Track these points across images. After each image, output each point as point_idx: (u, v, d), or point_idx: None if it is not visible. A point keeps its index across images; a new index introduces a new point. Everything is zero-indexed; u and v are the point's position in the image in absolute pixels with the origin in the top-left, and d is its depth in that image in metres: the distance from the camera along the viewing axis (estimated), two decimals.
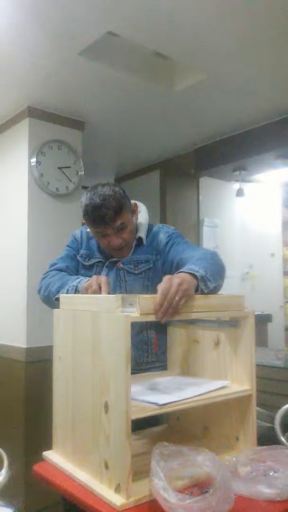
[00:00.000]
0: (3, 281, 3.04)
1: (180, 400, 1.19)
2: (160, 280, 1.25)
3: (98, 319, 1.18)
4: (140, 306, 1.13)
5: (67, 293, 1.56)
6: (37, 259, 2.84)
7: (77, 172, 3.05)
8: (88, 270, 1.77)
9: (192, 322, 1.54)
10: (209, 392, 1.28)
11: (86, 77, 2.53)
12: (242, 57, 2.33)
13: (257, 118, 3.13)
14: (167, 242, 1.74)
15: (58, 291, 1.60)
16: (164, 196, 3.92)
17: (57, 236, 2.94)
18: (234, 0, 1.87)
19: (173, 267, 1.67)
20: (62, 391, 1.35)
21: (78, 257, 1.82)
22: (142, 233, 1.76)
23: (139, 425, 1.44)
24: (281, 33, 2.12)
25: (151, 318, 1.17)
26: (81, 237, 1.87)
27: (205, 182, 4.15)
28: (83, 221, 1.75)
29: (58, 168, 2.96)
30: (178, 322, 1.61)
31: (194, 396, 1.23)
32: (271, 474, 1.15)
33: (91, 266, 1.78)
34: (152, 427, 1.59)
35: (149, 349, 1.73)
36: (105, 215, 1.60)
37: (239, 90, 2.71)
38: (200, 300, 1.29)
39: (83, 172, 3.08)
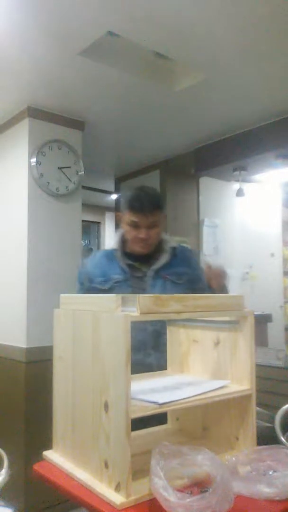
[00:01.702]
0: (3, 281, 3.04)
1: (180, 400, 1.19)
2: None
3: (98, 318, 1.18)
4: (140, 306, 1.13)
5: None
6: (37, 259, 2.84)
7: (77, 172, 3.05)
8: (107, 293, 1.82)
9: (192, 322, 1.54)
10: (208, 391, 1.29)
11: (86, 77, 2.53)
12: (242, 57, 2.33)
13: (257, 118, 3.13)
14: (195, 268, 2.00)
15: None
16: (164, 196, 3.92)
17: (57, 236, 2.95)
18: (234, 0, 1.87)
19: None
20: (62, 391, 1.35)
21: (93, 286, 1.90)
22: (174, 244, 1.98)
23: (140, 424, 1.44)
24: (281, 33, 2.12)
25: (151, 317, 1.17)
26: (87, 268, 1.98)
27: (205, 182, 4.15)
28: (118, 212, 2.02)
29: (58, 168, 2.96)
30: (178, 322, 1.61)
31: (194, 396, 1.23)
32: (270, 473, 1.15)
33: (111, 288, 1.86)
34: (152, 427, 1.59)
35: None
36: (147, 206, 1.81)
37: (239, 90, 2.71)
38: (200, 300, 1.29)
39: (83, 172, 3.08)
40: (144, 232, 1.84)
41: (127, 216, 1.86)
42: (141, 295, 1.15)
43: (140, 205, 1.81)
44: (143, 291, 1.85)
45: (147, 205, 1.81)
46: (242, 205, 4.51)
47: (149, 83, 2.60)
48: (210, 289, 1.92)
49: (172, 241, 2.00)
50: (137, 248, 1.90)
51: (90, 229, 6.07)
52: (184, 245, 2.19)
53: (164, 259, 1.92)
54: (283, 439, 1.64)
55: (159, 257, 1.93)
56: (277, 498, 1.08)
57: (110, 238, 5.70)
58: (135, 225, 1.84)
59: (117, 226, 4.49)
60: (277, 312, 4.48)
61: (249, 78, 2.56)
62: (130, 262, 1.92)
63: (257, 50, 2.27)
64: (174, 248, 1.96)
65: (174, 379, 1.49)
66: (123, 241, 1.98)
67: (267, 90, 2.72)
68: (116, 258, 1.94)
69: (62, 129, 3.03)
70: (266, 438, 1.53)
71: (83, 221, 3.27)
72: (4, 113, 3.01)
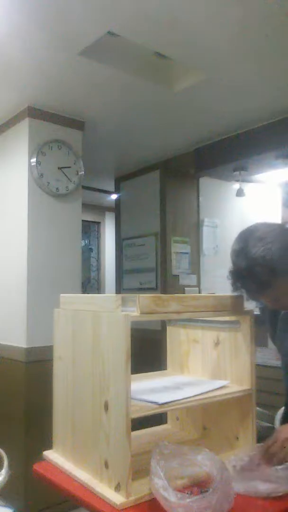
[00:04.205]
0: (3, 281, 3.04)
1: (180, 400, 1.19)
2: None
3: (98, 318, 1.18)
4: (140, 306, 1.13)
5: None
6: (37, 259, 2.84)
7: (77, 172, 3.05)
8: (262, 314, 1.61)
9: (192, 322, 1.54)
10: (208, 391, 1.29)
11: (86, 77, 2.53)
12: (242, 57, 2.33)
13: (257, 118, 3.13)
14: None
15: None
16: (164, 196, 3.92)
17: (57, 236, 2.95)
18: (234, 0, 1.87)
19: None
20: (62, 391, 1.35)
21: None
22: None
23: (141, 424, 1.44)
24: (281, 33, 2.12)
25: (151, 317, 1.17)
26: None
27: (205, 182, 4.15)
28: None
29: (58, 168, 2.96)
30: (178, 322, 1.61)
31: (194, 396, 1.23)
32: (264, 469, 1.15)
33: (261, 308, 1.62)
34: (152, 427, 1.59)
35: None
36: (250, 289, 1.28)
37: (239, 90, 2.71)
38: (200, 300, 1.29)
39: (83, 172, 3.08)
40: (271, 304, 1.41)
41: None
42: (141, 294, 1.15)
43: (243, 288, 1.29)
44: (282, 332, 1.50)
45: (250, 287, 1.27)
46: (242, 205, 4.51)
47: (149, 83, 2.60)
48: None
49: None
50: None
51: (90, 229, 6.07)
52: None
53: None
54: None
55: None
56: (273, 495, 1.08)
57: (110, 238, 5.69)
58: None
59: (117, 226, 4.49)
60: None
61: (249, 78, 2.56)
62: None
63: (257, 50, 2.27)
64: None
65: (174, 379, 1.49)
66: None
67: (267, 90, 2.72)
68: None
69: (62, 129, 3.03)
70: (266, 438, 1.53)
71: (83, 221, 3.27)
72: (4, 113, 3.01)
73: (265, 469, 1.15)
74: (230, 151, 3.45)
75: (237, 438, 1.38)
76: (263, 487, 1.09)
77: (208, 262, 4.12)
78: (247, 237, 1.26)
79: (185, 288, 3.90)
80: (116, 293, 4.22)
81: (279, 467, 1.14)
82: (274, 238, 1.22)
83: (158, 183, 3.98)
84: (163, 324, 2.05)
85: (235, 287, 1.29)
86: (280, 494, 1.08)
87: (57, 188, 2.95)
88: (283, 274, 1.22)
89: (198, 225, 4.10)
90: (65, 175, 2.99)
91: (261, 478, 1.11)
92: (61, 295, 1.42)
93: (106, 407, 1.13)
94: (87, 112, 3.00)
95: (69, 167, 3.01)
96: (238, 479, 1.12)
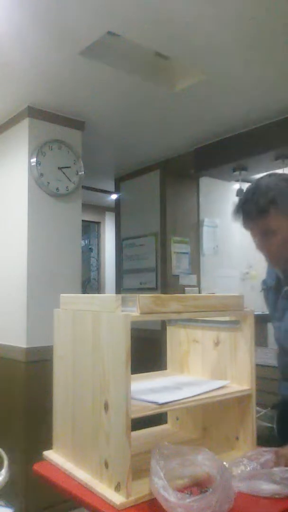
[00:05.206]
0: (3, 281, 3.04)
1: (180, 400, 1.19)
2: None
3: (98, 318, 1.18)
4: (140, 305, 1.13)
5: None
6: (37, 259, 2.84)
7: (77, 172, 3.05)
8: (266, 298, 1.64)
9: (192, 322, 1.55)
10: (208, 391, 1.29)
11: (86, 77, 2.54)
12: (242, 57, 2.33)
13: (257, 118, 3.13)
14: None
15: None
16: (164, 196, 3.92)
17: (57, 236, 2.95)
18: (234, 0, 1.87)
19: None
20: (62, 391, 1.35)
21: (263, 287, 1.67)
22: None
23: (141, 424, 1.44)
24: (280, 33, 2.12)
25: (152, 317, 1.17)
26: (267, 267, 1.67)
27: (205, 182, 4.15)
28: None
29: (58, 168, 2.96)
30: (178, 322, 1.61)
31: (194, 396, 1.23)
32: (270, 469, 1.15)
33: (264, 292, 1.64)
34: (152, 427, 1.59)
35: None
36: (248, 211, 1.38)
37: (239, 90, 2.71)
38: (200, 300, 1.29)
39: (83, 172, 3.08)
40: (260, 243, 1.44)
41: None
42: (141, 295, 1.15)
43: (242, 211, 1.40)
44: (281, 310, 1.52)
45: (249, 210, 1.37)
46: None
47: (149, 83, 2.60)
48: None
49: None
50: (271, 262, 1.54)
51: (90, 229, 6.07)
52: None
53: None
54: None
55: None
56: (276, 496, 1.08)
57: (110, 239, 5.69)
58: (250, 233, 1.46)
59: (117, 226, 4.49)
60: None
61: (249, 78, 2.56)
62: (278, 271, 1.55)
63: (257, 50, 2.27)
64: None
65: (174, 379, 1.49)
66: None
67: (267, 90, 2.72)
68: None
69: (62, 129, 3.03)
70: (266, 438, 1.53)
71: (83, 221, 3.27)
72: (4, 113, 3.01)
73: (270, 470, 1.14)
74: (230, 151, 3.45)
75: (237, 438, 1.38)
76: (267, 487, 1.09)
77: (208, 262, 4.12)
78: (258, 178, 1.45)
79: (185, 288, 3.90)
80: (116, 293, 4.22)
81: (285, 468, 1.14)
82: (282, 179, 1.39)
83: (158, 183, 3.98)
84: (163, 324, 2.05)
85: (235, 215, 1.44)
86: (283, 496, 1.08)
87: (57, 188, 2.95)
88: (281, 206, 1.35)
89: (198, 225, 4.10)
90: (65, 175, 2.99)
91: (265, 478, 1.11)
92: (61, 295, 1.42)
93: (106, 407, 1.13)
94: (87, 112, 3.00)
95: (69, 167, 3.01)
96: (241, 478, 1.12)
